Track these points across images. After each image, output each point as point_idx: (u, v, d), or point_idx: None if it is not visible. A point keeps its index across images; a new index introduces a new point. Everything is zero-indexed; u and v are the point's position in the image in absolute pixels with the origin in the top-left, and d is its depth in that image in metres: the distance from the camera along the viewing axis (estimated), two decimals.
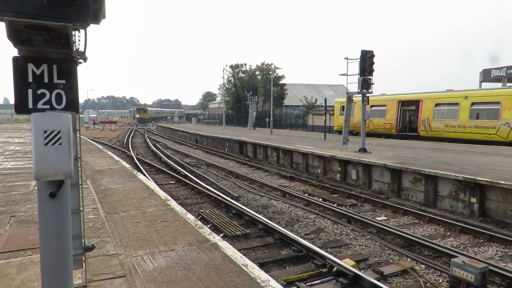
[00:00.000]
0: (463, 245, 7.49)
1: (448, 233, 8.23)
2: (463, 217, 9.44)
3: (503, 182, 8.70)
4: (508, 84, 31.62)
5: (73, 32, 2.42)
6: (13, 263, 4.30)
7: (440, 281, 5.82)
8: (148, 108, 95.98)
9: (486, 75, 33.48)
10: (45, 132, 2.23)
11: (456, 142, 19.94)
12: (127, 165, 12.85)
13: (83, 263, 3.23)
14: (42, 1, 2.11)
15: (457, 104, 20.16)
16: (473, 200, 9.41)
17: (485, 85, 34.12)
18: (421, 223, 9.01)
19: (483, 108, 19.12)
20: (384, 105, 25.02)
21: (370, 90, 15.09)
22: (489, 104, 18.80)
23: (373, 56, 14.78)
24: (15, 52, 2.35)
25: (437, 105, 21.42)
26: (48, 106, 2.38)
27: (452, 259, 5.54)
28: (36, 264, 4.18)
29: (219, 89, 70.39)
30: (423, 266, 6.34)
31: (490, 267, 5.69)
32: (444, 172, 10.11)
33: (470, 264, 5.17)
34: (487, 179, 9.03)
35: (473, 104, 19.43)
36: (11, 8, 2.06)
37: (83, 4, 2.20)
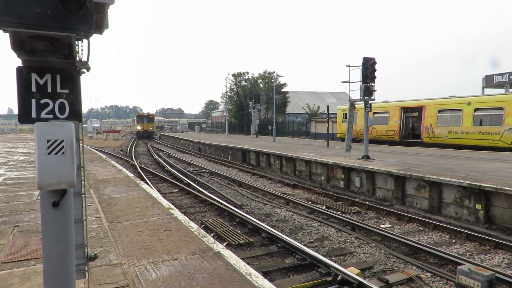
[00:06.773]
0: (469, 253, 7.41)
1: (453, 240, 8.15)
2: (468, 224, 9.35)
3: (508, 188, 8.62)
4: (511, 90, 31.54)
5: (76, 42, 2.44)
6: (16, 273, 4.28)
7: None
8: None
9: (489, 81, 33.47)
10: (48, 141, 2.23)
11: (459, 149, 19.85)
12: (130, 174, 12.86)
13: (86, 272, 3.20)
14: (45, 12, 2.13)
15: (460, 110, 20.11)
16: (478, 206, 9.32)
17: (488, 91, 34.09)
18: (426, 230, 8.93)
19: (486, 114, 19.05)
20: (387, 112, 25.00)
21: (372, 97, 15.11)
22: (492, 110, 18.74)
23: (374, 63, 14.84)
24: (18, 62, 2.37)
25: (440, 111, 21.38)
26: (51, 116, 2.39)
27: (458, 267, 5.47)
28: (39, 274, 4.17)
29: (221, 97, 70.81)
30: (428, 274, 6.27)
31: (497, 275, 5.62)
32: (448, 179, 10.05)
33: (477, 271, 5.10)
34: (492, 186, 8.96)
35: (476, 110, 19.37)
36: (15, 19, 2.07)
37: (86, 15, 2.22)
